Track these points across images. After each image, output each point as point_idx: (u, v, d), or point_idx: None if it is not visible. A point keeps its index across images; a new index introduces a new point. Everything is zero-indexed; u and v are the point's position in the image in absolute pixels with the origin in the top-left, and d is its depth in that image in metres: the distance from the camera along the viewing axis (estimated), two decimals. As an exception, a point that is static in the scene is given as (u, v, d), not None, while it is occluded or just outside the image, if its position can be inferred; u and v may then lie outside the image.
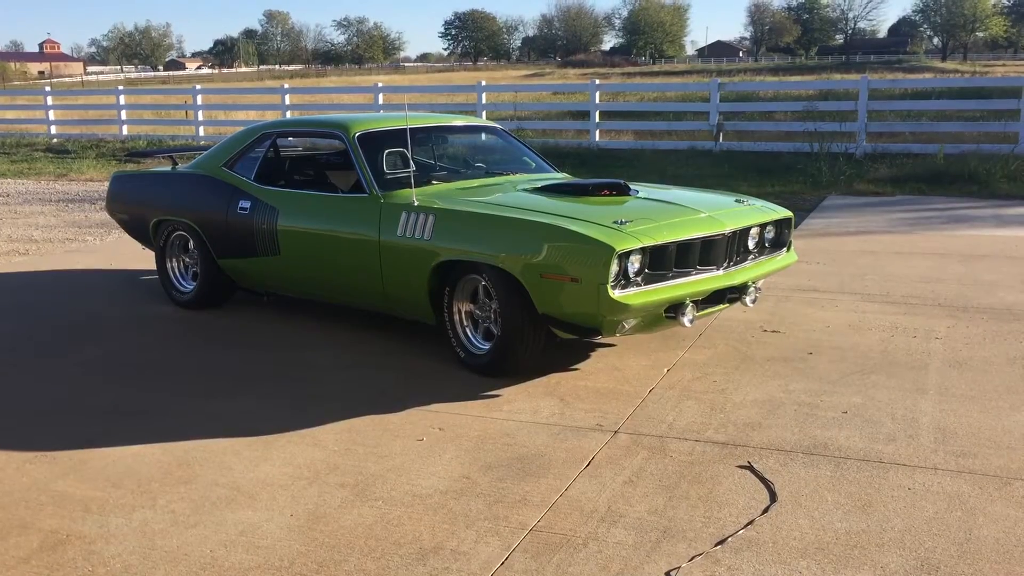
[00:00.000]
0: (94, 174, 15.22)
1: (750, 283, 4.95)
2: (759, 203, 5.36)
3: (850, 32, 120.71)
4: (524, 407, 4.39)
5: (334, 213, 5.43)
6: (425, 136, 6.02)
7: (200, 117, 20.08)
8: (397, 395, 4.60)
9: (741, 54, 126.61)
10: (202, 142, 19.45)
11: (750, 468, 3.63)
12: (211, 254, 6.15)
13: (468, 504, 3.40)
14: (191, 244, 6.35)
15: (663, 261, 4.56)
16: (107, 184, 7.23)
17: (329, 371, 5.01)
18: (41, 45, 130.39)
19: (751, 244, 5.07)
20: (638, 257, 4.43)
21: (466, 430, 4.12)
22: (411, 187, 5.15)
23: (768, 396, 4.44)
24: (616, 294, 4.32)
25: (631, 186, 5.31)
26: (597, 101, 16.87)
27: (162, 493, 3.55)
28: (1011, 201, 10.62)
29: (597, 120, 16.71)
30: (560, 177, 6.05)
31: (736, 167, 13.70)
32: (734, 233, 4.85)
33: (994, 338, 5.30)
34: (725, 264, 4.84)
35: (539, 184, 5.48)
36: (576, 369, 4.93)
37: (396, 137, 5.66)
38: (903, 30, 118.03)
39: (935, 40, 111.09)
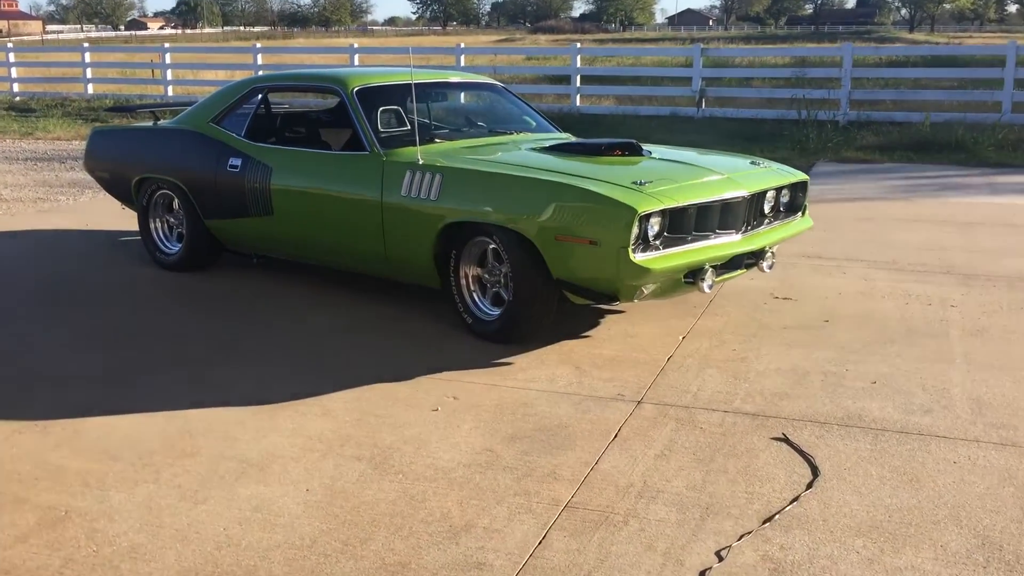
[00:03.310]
0: (61, 133, 14.71)
1: (767, 248, 4.78)
2: (775, 166, 5.18)
3: (819, 2, 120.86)
4: (539, 375, 4.20)
5: (332, 172, 5.17)
6: (425, 92, 5.76)
7: (169, 76, 19.55)
8: (403, 362, 4.38)
9: (711, 23, 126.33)
10: (170, 102, 18.95)
11: (786, 440, 3.47)
12: (198, 214, 5.87)
13: (495, 479, 3.21)
14: (176, 203, 6.07)
15: (682, 224, 4.37)
16: (75, 143, 6.93)
17: (328, 336, 4.79)
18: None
19: (767, 208, 4.89)
20: (658, 219, 4.23)
21: (482, 399, 3.92)
22: (415, 145, 4.91)
23: (792, 365, 4.28)
24: (637, 258, 4.13)
25: (643, 147, 5.11)
26: (578, 65, 16.60)
27: (165, 466, 3.33)
28: (1001, 169, 10.54)
29: (578, 85, 16.45)
30: (564, 137, 5.83)
31: (720, 134, 13.52)
32: (753, 196, 4.67)
33: (1010, 307, 5.17)
34: (744, 228, 4.67)
35: (547, 143, 5.26)
36: (588, 336, 4.75)
37: (397, 92, 5.42)
38: (871, 1, 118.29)
39: (903, 12, 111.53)
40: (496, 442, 3.50)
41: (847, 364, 4.28)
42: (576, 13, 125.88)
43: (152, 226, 6.23)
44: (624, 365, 4.32)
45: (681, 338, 4.72)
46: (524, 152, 5.07)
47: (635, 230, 4.09)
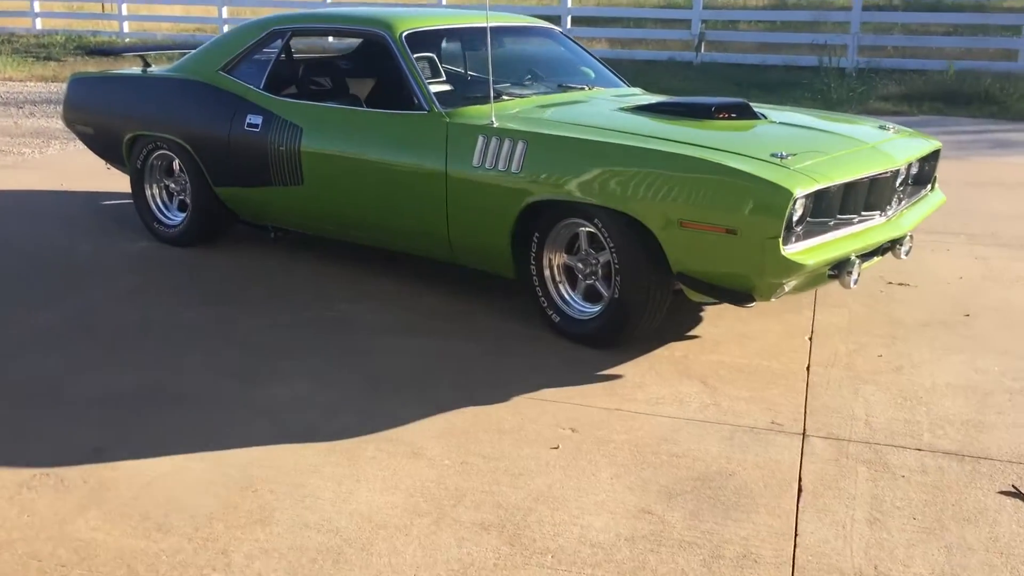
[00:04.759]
0: (13, 73, 13.41)
1: (909, 232, 4.03)
2: (905, 130, 4.44)
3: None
4: (663, 394, 3.43)
5: (381, 135, 4.29)
6: (479, 38, 4.86)
7: (124, 12, 18.12)
8: (485, 375, 3.58)
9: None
10: (127, 40, 17.59)
11: (1019, 495, 2.75)
12: (206, 180, 4.96)
13: (675, 562, 2.45)
14: (177, 166, 5.15)
15: (825, 207, 3.59)
16: (30, 84, 5.98)
17: (382, 338, 3.96)
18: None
19: (898, 183, 4.14)
20: (802, 202, 3.45)
21: (607, 432, 3.14)
22: (487, 103, 4.04)
23: (963, 379, 3.56)
24: (787, 250, 3.35)
25: (755, 108, 4.31)
26: (569, 5, 15.62)
27: (233, 542, 2.51)
28: (1042, 125, 9.90)
29: (569, 26, 15.47)
30: (637, 91, 5.01)
31: (727, 80, 12.70)
32: (899, 170, 3.91)
33: None
34: (888, 209, 3.91)
35: (636, 102, 4.43)
36: (695, 336, 3.98)
37: (451, 37, 4.58)
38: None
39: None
40: (652, 500, 2.73)
41: (1028, 378, 3.58)
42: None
43: (148, 192, 5.30)
44: (758, 378, 3.57)
45: (807, 339, 3.97)
46: (616, 113, 4.22)
47: (787, 216, 3.31)
